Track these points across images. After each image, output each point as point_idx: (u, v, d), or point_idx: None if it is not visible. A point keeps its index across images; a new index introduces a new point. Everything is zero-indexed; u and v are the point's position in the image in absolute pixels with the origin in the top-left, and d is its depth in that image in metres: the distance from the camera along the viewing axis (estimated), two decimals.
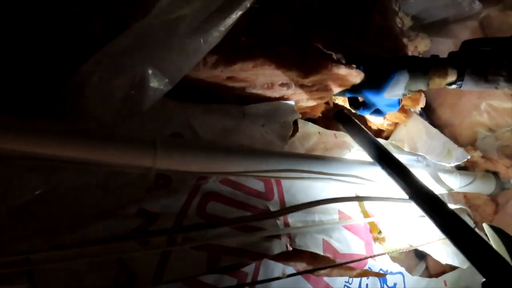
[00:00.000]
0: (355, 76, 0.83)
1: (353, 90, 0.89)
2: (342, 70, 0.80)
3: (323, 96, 0.90)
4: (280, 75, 0.77)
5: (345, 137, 0.95)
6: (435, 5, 1.01)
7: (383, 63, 0.85)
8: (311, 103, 0.91)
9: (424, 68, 0.82)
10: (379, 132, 1.17)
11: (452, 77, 0.82)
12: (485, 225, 0.79)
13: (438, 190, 1.06)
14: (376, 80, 0.85)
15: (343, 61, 0.83)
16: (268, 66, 0.72)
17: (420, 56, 1.05)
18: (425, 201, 0.70)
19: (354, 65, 0.82)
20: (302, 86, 0.83)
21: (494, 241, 0.75)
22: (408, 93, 0.88)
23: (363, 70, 0.85)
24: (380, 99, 0.87)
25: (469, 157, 1.05)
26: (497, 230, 0.76)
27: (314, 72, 0.78)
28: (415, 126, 1.11)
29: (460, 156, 1.05)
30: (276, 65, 0.73)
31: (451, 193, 1.12)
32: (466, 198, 1.22)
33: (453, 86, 0.84)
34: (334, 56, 0.81)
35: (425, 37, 1.01)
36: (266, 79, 0.78)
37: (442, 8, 1.01)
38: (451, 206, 1.06)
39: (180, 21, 0.56)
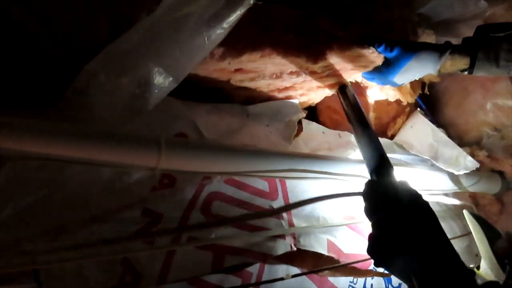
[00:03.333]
0: (370, 55, 0.80)
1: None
2: (354, 51, 0.77)
3: (334, 83, 0.88)
4: (289, 63, 0.75)
5: (350, 137, 0.95)
6: (441, 3, 1.00)
7: (395, 46, 0.81)
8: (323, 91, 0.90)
9: (437, 53, 0.81)
10: (383, 131, 1.17)
11: (464, 64, 0.81)
12: (465, 212, 0.78)
13: (443, 189, 1.06)
14: (387, 64, 0.83)
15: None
16: (276, 54, 0.71)
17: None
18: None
19: (366, 45, 0.79)
20: (312, 73, 0.81)
21: (473, 228, 0.75)
22: (418, 77, 0.86)
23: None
24: (390, 81, 0.86)
25: (478, 165, 1.03)
26: (476, 217, 0.76)
27: (324, 56, 0.76)
28: (422, 128, 1.09)
29: (469, 165, 1.00)
30: (284, 53, 0.71)
31: (457, 192, 1.11)
32: (472, 197, 1.21)
33: (466, 72, 0.83)
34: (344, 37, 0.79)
35: (431, 34, 0.99)
36: (275, 68, 0.76)
37: (447, 7, 1.00)
38: (457, 204, 1.06)
39: (184, 18, 0.55)
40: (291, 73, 0.79)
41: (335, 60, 0.78)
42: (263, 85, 0.80)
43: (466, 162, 1.01)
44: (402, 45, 0.81)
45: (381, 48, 0.80)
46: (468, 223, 0.76)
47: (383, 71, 0.84)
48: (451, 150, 1.03)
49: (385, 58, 0.82)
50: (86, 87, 0.57)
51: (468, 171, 1.01)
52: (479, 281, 0.71)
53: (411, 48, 0.81)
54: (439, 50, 0.81)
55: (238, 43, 0.67)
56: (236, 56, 0.68)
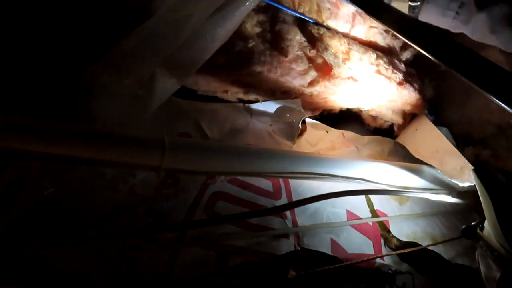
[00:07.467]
0: None
1: None
2: None
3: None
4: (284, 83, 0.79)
5: (353, 136, 0.94)
6: None
7: None
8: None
9: None
10: (388, 132, 1.16)
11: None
12: (473, 173, 0.75)
13: (446, 188, 1.05)
14: None
15: None
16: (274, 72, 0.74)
17: None
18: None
19: None
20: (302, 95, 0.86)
21: (480, 190, 0.72)
22: None
23: None
24: None
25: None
26: (485, 179, 0.73)
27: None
28: (427, 133, 1.07)
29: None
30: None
31: (460, 191, 1.10)
32: (475, 197, 1.20)
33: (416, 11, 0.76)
34: None
35: None
36: (270, 85, 0.80)
37: None
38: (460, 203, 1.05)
39: (186, 20, 0.56)
40: (283, 92, 0.84)
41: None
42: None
43: (471, 176, 1.00)
44: None
45: None
46: (476, 185, 0.73)
47: None
48: (456, 160, 1.01)
49: None
50: (90, 88, 0.57)
51: (472, 184, 0.99)
52: (480, 243, 0.70)
53: None
54: None
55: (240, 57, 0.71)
56: (237, 69, 0.72)
